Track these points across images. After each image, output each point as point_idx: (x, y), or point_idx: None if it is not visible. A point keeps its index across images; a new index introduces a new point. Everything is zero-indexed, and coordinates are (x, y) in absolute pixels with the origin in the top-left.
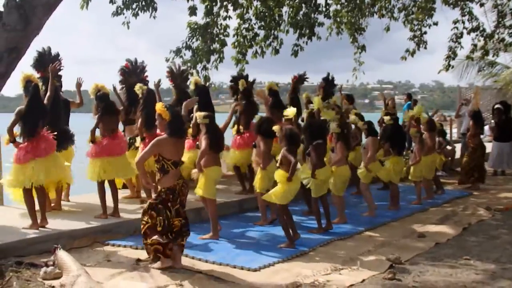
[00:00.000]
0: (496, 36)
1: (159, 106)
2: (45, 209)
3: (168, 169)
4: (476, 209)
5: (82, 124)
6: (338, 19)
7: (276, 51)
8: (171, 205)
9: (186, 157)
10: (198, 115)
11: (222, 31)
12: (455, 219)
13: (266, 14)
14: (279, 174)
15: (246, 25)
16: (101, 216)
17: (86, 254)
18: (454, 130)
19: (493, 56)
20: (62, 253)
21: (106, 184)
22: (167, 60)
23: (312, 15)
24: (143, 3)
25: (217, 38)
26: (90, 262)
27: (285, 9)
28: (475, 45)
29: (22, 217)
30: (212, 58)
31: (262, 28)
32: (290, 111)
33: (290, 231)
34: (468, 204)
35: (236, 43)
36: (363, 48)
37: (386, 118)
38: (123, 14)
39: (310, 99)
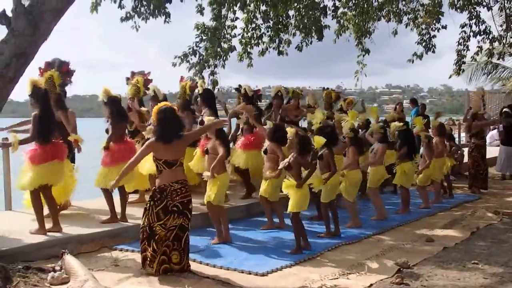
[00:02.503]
0: (504, 40)
1: (154, 108)
2: (57, 215)
3: (161, 169)
4: (485, 213)
5: (90, 128)
6: (345, 23)
7: (280, 52)
8: (154, 206)
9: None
10: (208, 120)
11: (229, 31)
12: (463, 223)
13: (273, 17)
14: (288, 184)
15: (253, 25)
16: (108, 220)
17: (94, 259)
18: (463, 134)
19: (498, 59)
20: (70, 258)
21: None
22: (173, 65)
23: (321, 18)
24: (155, 9)
25: (224, 39)
26: (98, 267)
27: (291, 12)
28: (480, 47)
29: (30, 222)
30: (221, 61)
31: (268, 29)
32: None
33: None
34: (477, 208)
35: (243, 41)
36: (367, 51)
37: (398, 124)
38: (133, 19)
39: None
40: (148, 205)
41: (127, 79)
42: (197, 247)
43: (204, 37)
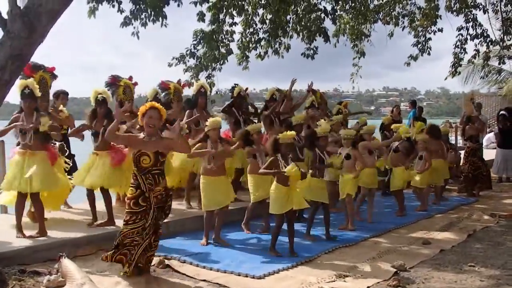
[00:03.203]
0: (502, 43)
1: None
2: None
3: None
4: (481, 216)
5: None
6: (342, 26)
7: (276, 52)
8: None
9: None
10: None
11: (227, 36)
12: (460, 226)
13: (272, 21)
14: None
15: (251, 29)
16: (105, 223)
17: (91, 262)
18: (459, 137)
19: (499, 64)
20: (67, 261)
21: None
22: (169, 66)
23: (323, 20)
24: (152, 12)
25: (222, 44)
26: (95, 270)
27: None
28: (478, 51)
29: (25, 225)
30: (218, 65)
31: (267, 33)
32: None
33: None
34: (473, 211)
35: (241, 45)
36: (362, 53)
37: (405, 128)
38: (132, 24)
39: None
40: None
41: (109, 84)
42: (193, 251)
43: (202, 42)
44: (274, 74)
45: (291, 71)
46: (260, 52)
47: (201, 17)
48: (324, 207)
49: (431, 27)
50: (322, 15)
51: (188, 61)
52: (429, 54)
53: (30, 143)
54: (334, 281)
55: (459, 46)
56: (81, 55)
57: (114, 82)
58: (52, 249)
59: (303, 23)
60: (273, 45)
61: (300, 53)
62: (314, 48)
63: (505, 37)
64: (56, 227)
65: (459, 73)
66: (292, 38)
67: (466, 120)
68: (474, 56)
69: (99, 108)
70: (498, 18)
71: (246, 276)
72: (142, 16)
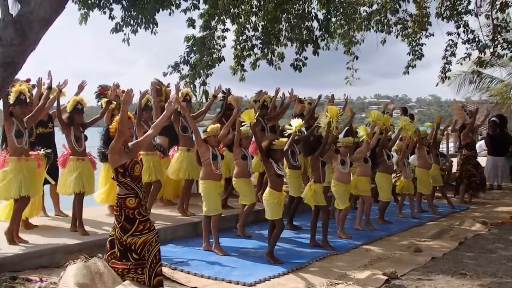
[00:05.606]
0: (491, 49)
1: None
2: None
3: None
4: (473, 224)
5: None
6: (332, 30)
7: (270, 62)
8: None
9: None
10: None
11: (219, 41)
12: (451, 233)
13: (264, 28)
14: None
15: (244, 37)
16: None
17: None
18: (451, 144)
19: (484, 68)
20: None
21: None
22: (164, 75)
23: (314, 30)
24: (143, 20)
25: (214, 50)
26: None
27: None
28: (469, 54)
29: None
30: (210, 70)
31: (259, 39)
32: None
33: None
34: (465, 218)
35: (236, 53)
36: (356, 57)
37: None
38: (122, 31)
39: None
40: None
41: (99, 94)
42: (184, 257)
43: (194, 48)
44: (266, 81)
45: (282, 79)
46: (252, 61)
47: (191, 23)
48: (324, 211)
49: (422, 33)
50: (314, 24)
51: (183, 69)
52: (420, 59)
53: (26, 147)
54: None
55: (449, 50)
56: (73, 61)
57: (103, 92)
58: (43, 256)
59: (296, 31)
60: (267, 53)
61: (293, 61)
62: (303, 59)
63: (493, 43)
64: (47, 234)
65: (449, 78)
66: (287, 46)
67: (461, 128)
68: (463, 58)
69: (76, 116)
70: (489, 26)
71: (237, 283)
72: (133, 23)
